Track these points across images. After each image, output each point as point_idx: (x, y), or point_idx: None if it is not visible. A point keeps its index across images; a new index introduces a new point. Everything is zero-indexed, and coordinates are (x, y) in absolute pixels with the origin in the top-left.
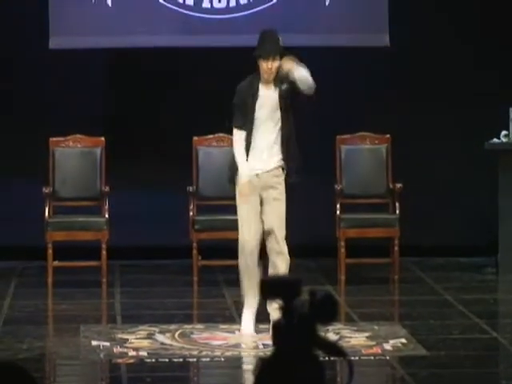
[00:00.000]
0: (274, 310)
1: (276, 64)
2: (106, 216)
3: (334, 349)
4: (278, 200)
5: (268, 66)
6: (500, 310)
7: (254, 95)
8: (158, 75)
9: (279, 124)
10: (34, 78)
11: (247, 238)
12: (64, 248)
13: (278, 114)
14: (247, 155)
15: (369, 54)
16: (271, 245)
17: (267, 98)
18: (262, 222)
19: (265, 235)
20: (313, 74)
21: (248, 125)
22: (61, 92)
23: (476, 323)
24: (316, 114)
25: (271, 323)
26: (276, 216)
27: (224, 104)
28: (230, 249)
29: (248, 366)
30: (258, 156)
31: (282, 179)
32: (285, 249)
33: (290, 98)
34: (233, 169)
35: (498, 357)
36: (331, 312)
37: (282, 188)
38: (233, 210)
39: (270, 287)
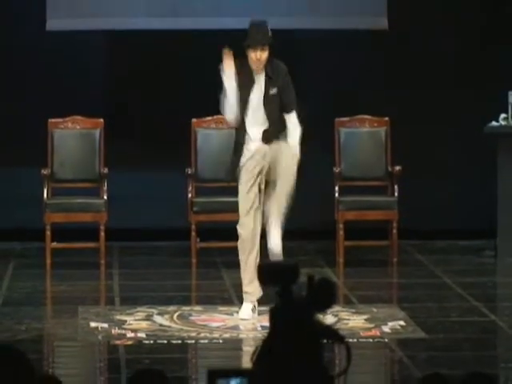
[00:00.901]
0: None
1: (264, 54)
2: (105, 198)
3: (331, 332)
4: None
5: (256, 57)
6: (498, 293)
7: (250, 78)
8: (156, 57)
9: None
10: (32, 60)
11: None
12: (62, 229)
13: (262, 108)
14: (243, 142)
15: (368, 37)
16: None
17: (257, 88)
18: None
19: None
20: (312, 57)
21: (242, 104)
22: (59, 73)
23: (474, 306)
24: (315, 97)
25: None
26: None
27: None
28: (229, 231)
29: (246, 348)
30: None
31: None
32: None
33: (276, 102)
34: (234, 164)
35: (496, 339)
36: (329, 297)
37: None
38: (230, 192)
39: (267, 272)
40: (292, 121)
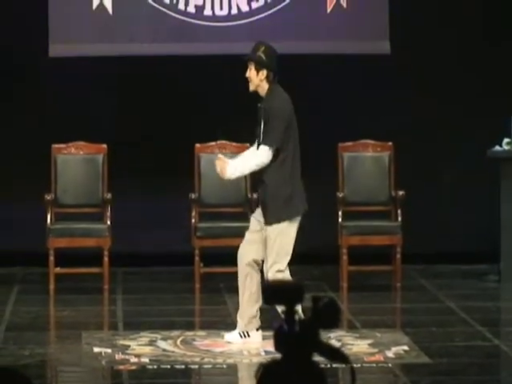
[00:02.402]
0: None
1: (249, 72)
2: (108, 223)
3: (337, 355)
4: None
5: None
6: (502, 318)
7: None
8: (159, 82)
9: None
10: (36, 86)
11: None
12: (66, 255)
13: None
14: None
15: (370, 61)
16: None
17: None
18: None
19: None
20: (313, 81)
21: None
22: (63, 99)
23: (478, 331)
24: (317, 122)
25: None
26: None
27: (225, 111)
28: (232, 256)
29: (250, 373)
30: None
31: None
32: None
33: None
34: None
35: (500, 364)
36: (334, 318)
37: None
38: (234, 217)
39: (273, 292)
40: (257, 150)
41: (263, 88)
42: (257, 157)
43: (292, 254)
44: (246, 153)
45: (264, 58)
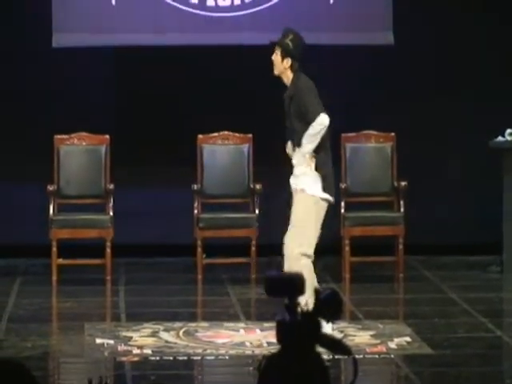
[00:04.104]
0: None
1: (274, 56)
2: (111, 214)
3: (339, 347)
4: None
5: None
6: (505, 309)
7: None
8: (162, 73)
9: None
10: (39, 76)
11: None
12: (68, 246)
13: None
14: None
15: (372, 52)
16: None
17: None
18: None
19: None
20: (317, 72)
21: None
22: (65, 90)
23: (481, 322)
24: None
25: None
26: None
27: (229, 101)
28: (234, 247)
29: (253, 365)
30: None
31: None
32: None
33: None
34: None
35: (502, 355)
36: (336, 309)
37: None
38: (237, 208)
39: (274, 284)
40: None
41: (287, 76)
42: (316, 125)
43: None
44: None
45: (291, 45)
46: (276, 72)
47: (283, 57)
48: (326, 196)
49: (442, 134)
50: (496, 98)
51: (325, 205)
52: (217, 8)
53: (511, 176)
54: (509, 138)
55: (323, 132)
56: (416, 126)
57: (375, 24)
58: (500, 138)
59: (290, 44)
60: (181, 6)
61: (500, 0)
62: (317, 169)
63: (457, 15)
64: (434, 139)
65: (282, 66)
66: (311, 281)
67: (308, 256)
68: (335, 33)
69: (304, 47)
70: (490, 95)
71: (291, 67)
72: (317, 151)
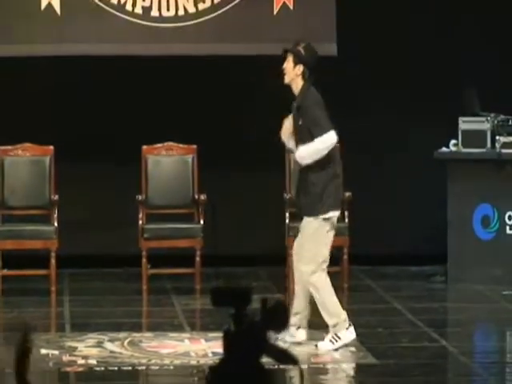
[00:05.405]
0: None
1: (286, 63)
2: (55, 225)
3: (285, 356)
4: None
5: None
6: (449, 319)
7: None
8: (106, 83)
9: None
10: None
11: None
12: (13, 256)
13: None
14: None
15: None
16: None
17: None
18: None
19: None
20: (261, 84)
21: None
22: (8, 100)
23: (425, 332)
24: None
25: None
26: None
27: (173, 112)
28: (179, 257)
29: (197, 375)
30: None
31: None
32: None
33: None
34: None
35: (446, 365)
36: (283, 320)
37: None
38: (181, 218)
39: (221, 295)
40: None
41: (297, 84)
42: (323, 141)
43: (239, 255)
44: (312, 144)
45: (303, 52)
46: (286, 80)
47: (295, 63)
48: (329, 215)
49: (387, 145)
50: (441, 108)
51: (329, 223)
52: (161, 18)
53: (455, 186)
54: (453, 148)
55: (330, 149)
56: (362, 136)
57: (318, 35)
58: (444, 149)
59: (303, 51)
60: (125, 16)
61: (436, 13)
62: (315, 186)
63: (404, 21)
64: (378, 149)
65: (294, 73)
66: (327, 295)
67: (315, 272)
68: (279, 43)
69: (317, 58)
70: (435, 105)
71: (303, 75)
72: (319, 166)
